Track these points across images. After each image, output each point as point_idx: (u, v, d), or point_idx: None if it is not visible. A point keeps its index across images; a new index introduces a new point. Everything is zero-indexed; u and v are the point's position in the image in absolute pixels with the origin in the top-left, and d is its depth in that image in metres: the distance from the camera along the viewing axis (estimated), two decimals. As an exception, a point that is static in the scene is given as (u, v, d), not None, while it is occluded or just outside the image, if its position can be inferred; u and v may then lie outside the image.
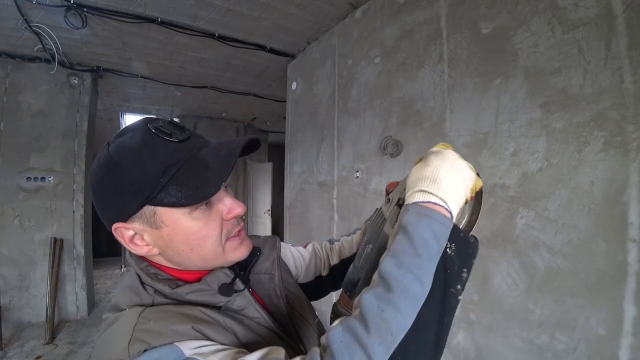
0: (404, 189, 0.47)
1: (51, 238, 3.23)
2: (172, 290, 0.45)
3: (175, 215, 0.44)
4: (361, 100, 2.34)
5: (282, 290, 0.57)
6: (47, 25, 2.57)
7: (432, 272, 0.36)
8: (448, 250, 0.37)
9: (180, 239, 0.45)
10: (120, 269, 5.47)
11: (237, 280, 0.49)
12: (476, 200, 0.47)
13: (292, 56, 3.25)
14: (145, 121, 0.46)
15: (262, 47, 3.01)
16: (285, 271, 0.65)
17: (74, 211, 3.36)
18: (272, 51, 3.08)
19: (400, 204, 0.48)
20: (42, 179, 3.25)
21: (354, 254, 0.68)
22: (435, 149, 0.45)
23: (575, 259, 1.19)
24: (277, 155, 6.92)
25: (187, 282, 0.47)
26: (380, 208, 0.51)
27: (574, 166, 1.20)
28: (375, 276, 0.38)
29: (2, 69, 3.13)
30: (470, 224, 0.47)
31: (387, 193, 0.55)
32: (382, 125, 2.14)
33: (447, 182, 0.40)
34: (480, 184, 0.44)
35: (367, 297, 0.36)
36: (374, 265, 0.48)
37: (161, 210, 0.43)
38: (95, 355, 0.42)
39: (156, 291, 0.46)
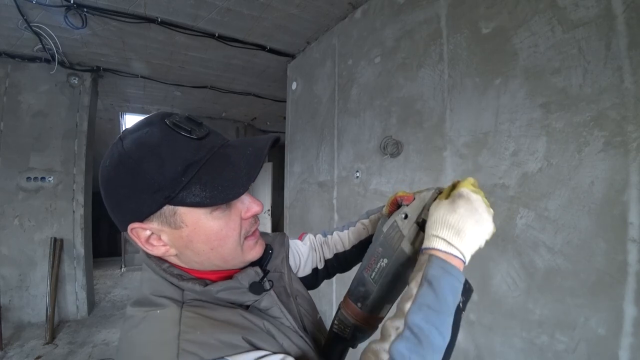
0: (424, 209, 0.49)
1: (51, 238, 3.24)
2: (203, 289, 0.44)
3: (196, 215, 0.43)
4: (361, 100, 2.33)
5: (292, 289, 0.57)
6: (47, 25, 2.57)
7: (450, 325, 0.40)
8: (460, 305, 0.41)
9: (201, 239, 0.44)
10: (120, 269, 5.46)
11: (265, 279, 0.49)
12: None
13: (292, 56, 3.25)
14: (161, 116, 0.44)
15: (262, 47, 3.00)
16: (290, 268, 0.65)
17: (74, 211, 3.36)
18: (272, 51, 3.08)
19: (419, 222, 0.49)
20: (42, 179, 3.25)
21: (347, 250, 0.70)
22: (465, 191, 0.45)
23: (575, 259, 1.19)
24: (277, 155, 6.91)
25: (211, 281, 0.47)
26: (395, 221, 0.51)
27: (574, 166, 1.20)
28: (400, 324, 0.40)
29: (2, 69, 3.13)
30: None
31: (397, 203, 0.55)
32: (382, 125, 2.14)
33: (470, 236, 0.43)
34: (493, 231, 0.47)
35: (401, 349, 0.38)
36: (391, 282, 0.50)
37: (182, 210, 0.42)
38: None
39: (183, 290, 0.45)
